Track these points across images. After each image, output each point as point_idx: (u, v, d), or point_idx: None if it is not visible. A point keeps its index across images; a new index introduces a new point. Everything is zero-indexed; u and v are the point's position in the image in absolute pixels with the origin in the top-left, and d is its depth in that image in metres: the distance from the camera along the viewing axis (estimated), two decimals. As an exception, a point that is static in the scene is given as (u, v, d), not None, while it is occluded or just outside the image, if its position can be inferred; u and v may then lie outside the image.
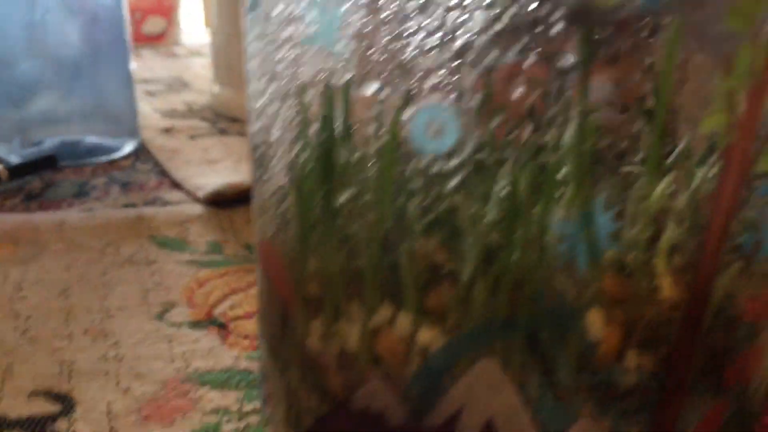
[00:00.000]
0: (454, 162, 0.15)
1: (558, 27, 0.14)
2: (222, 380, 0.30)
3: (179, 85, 0.81)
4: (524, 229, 0.15)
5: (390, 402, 0.16)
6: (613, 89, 0.17)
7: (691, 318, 0.16)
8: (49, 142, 0.55)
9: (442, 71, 0.15)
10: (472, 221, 0.15)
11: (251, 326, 0.34)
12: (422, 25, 0.15)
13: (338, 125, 0.17)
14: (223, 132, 0.64)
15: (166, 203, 0.48)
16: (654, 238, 0.16)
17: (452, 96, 0.15)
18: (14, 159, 0.53)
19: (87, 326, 0.33)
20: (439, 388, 0.16)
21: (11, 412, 0.27)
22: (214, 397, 0.28)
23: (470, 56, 0.14)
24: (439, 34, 0.14)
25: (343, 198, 0.17)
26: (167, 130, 0.64)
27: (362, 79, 0.16)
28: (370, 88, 0.16)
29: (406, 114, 0.15)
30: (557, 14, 0.13)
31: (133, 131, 0.58)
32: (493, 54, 0.14)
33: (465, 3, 0.14)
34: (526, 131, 0.15)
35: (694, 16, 0.14)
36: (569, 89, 0.15)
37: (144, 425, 0.27)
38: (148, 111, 0.70)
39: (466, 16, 0.14)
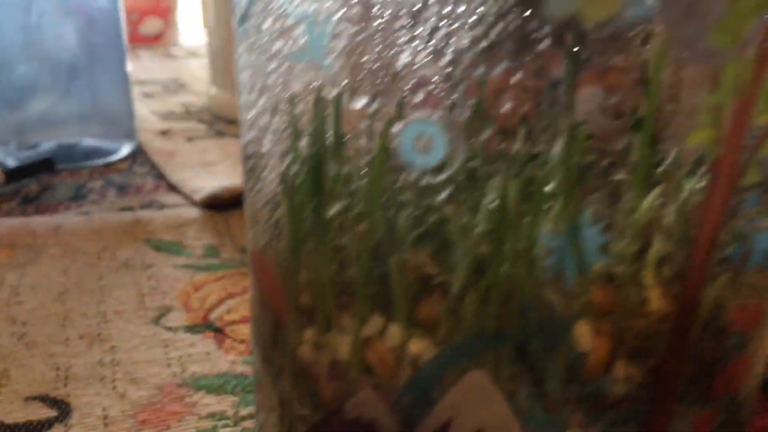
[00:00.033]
0: (442, 176, 0.15)
1: (544, 43, 0.14)
2: (218, 385, 0.30)
3: (176, 86, 0.81)
4: (513, 242, 0.15)
5: (381, 412, 0.16)
6: (603, 98, 0.17)
7: (679, 329, 0.16)
8: (46, 145, 0.55)
9: (431, 85, 0.15)
10: (462, 233, 0.16)
11: (247, 331, 0.34)
12: (411, 39, 0.15)
13: (328, 138, 0.17)
14: (220, 134, 0.64)
15: (162, 206, 0.48)
16: (642, 251, 0.16)
17: (441, 110, 0.15)
18: (11, 162, 0.53)
19: (83, 331, 0.33)
20: (430, 398, 0.16)
21: (7, 417, 0.27)
22: (209, 402, 0.29)
23: (458, 71, 0.15)
24: (428, 49, 0.15)
25: (333, 210, 0.17)
26: (164, 133, 0.64)
27: (352, 92, 0.16)
28: (360, 102, 0.16)
29: (396, 128, 0.15)
30: (543, 31, 0.14)
31: (130, 133, 0.58)
32: (481, 69, 0.14)
33: (453, 18, 0.14)
34: (515, 144, 0.15)
35: (681, 31, 0.14)
36: (557, 103, 0.15)
37: (140, 430, 0.27)
38: (146, 113, 0.70)
39: (454, 31, 0.14)
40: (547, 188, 0.15)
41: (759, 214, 0.17)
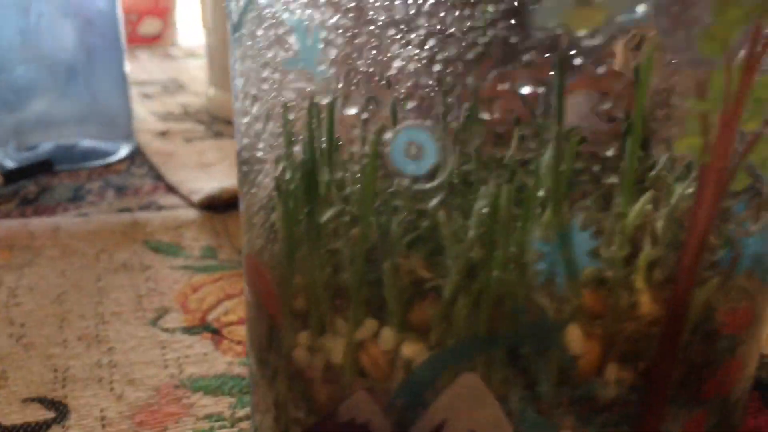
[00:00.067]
0: (434, 182, 0.15)
1: (533, 53, 0.14)
2: (215, 386, 0.30)
3: (175, 87, 0.81)
4: (505, 247, 0.15)
5: (375, 414, 0.17)
6: (594, 103, 0.17)
7: (670, 332, 0.16)
8: (45, 146, 0.55)
9: (422, 93, 0.15)
10: (454, 238, 0.16)
11: (244, 332, 0.34)
12: (402, 48, 0.15)
13: (321, 144, 0.17)
14: (218, 135, 0.64)
15: (161, 208, 0.49)
16: (633, 255, 0.16)
17: (431, 118, 0.15)
18: (9, 163, 0.53)
19: (81, 332, 0.34)
20: (423, 400, 0.16)
21: (5, 419, 0.28)
22: (207, 403, 0.29)
23: (449, 79, 0.15)
24: (419, 58, 0.15)
25: (327, 215, 0.17)
26: (163, 133, 0.64)
27: (344, 100, 0.16)
28: (352, 109, 0.16)
29: (387, 135, 0.15)
30: (531, 42, 0.14)
31: (128, 134, 0.59)
32: (472, 77, 0.15)
33: (444, 27, 0.14)
34: (507, 150, 0.15)
35: (670, 39, 0.14)
36: (547, 109, 0.15)
37: (137, 431, 0.27)
38: (144, 114, 0.70)
39: (445, 39, 0.14)
40: (538, 194, 0.15)
41: (747, 219, 0.17)
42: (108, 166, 0.56)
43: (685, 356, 0.17)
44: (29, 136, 0.55)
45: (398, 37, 0.15)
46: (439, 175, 0.15)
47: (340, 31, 0.16)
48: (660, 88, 0.17)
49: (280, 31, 0.16)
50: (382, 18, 0.15)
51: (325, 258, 0.17)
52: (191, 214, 0.47)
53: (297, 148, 0.17)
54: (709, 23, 0.14)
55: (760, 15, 0.14)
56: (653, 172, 0.18)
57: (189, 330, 0.34)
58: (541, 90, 0.15)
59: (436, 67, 0.15)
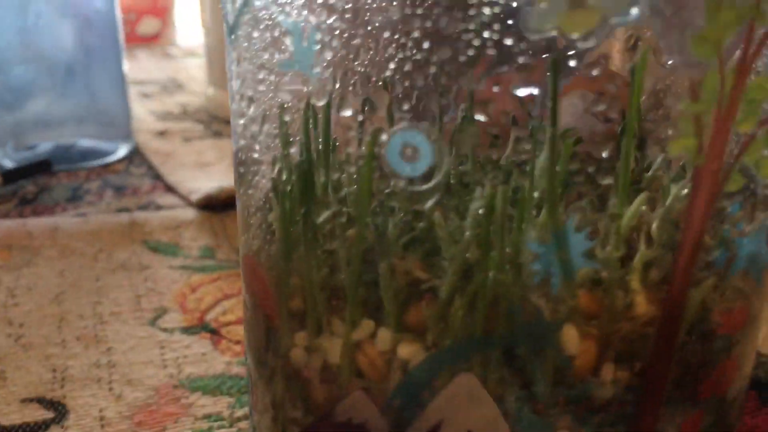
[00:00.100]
0: (430, 184, 0.15)
1: (526, 56, 0.14)
2: (214, 386, 0.30)
3: (174, 86, 0.81)
4: (500, 248, 0.15)
5: (371, 414, 0.17)
6: (589, 105, 0.17)
7: (665, 332, 0.16)
8: (43, 146, 0.55)
9: (418, 95, 0.15)
10: (450, 240, 0.16)
11: (243, 332, 0.34)
12: (397, 50, 0.15)
13: (317, 146, 0.17)
14: (217, 134, 0.64)
15: (159, 207, 0.49)
16: (628, 255, 0.16)
17: (427, 120, 0.15)
18: (8, 163, 0.53)
19: (80, 332, 0.34)
20: (420, 401, 0.16)
21: (4, 419, 0.28)
22: (205, 403, 0.29)
23: (444, 81, 0.15)
24: (414, 60, 0.15)
25: (324, 216, 0.17)
26: (161, 133, 0.64)
27: (339, 101, 0.16)
28: (347, 111, 0.16)
29: (383, 137, 0.15)
30: (525, 45, 0.14)
31: (127, 134, 0.59)
32: (467, 79, 0.15)
33: (438, 29, 0.14)
34: (502, 152, 0.15)
35: (663, 40, 0.14)
36: (541, 113, 0.15)
37: (136, 431, 0.27)
38: (143, 113, 0.70)
39: (439, 42, 0.15)
40: (534, 195, 0.15)
41: (742, 220, 0.17)
42: (107, 165, 0.56)
43: (680, 356, 0.17)
44: (28, 136, 0.55)
45: (393, 38, 0.15)
46: (435, 177, 0.15)
47: (336, 33, 0.16)
48: (655, 90, 0.17)
49: (276, 32, 0.16)
50: (378, 20, 0.15)
51: (321, 259, 0.17)
52: (190, 214, 0.47)
53: (293, 150, 0.17)
54: (702, 26, 0.14)
55: (753, 17, 0.14)
56: (649, 173, 0.18)
57: (187, 330, 0.34)
58: (535, 92, 0.15)
59: (432, 69, 0.15)
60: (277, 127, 0.17)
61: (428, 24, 0.15)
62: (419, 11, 0.15)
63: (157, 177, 0.54)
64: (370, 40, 0.15)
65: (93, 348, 0.32)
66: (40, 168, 0.52)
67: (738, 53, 0.14)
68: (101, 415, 0.28)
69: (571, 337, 0.16)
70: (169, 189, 0.52)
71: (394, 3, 0.15)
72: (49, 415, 0.28)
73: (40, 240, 0.43)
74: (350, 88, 0.16)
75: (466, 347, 0.16)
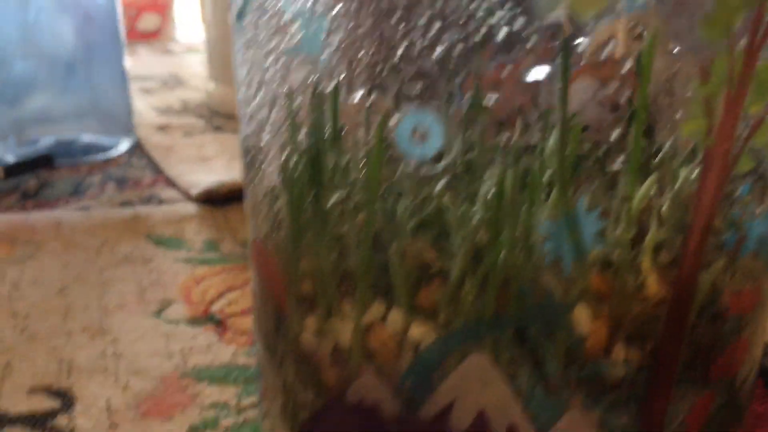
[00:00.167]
0: (439, 166, 0.15)
1: (537, 38, 0.14)
2: (220, 376, 0.30)
3: (174, 82, 0.81)
4: (511, 229, 0.15)
5: (383, 396, 0.17)
6: (600, 89, 0.17)
7: (676, 313, 0.16)
8: (45, 140, 0.55)
9: (427, 77, 0.15)
10: (460, 222, 0.16)
11: (248, 323, 0.34)
12: (406, 33, 0.15)
13: (326, 130, 0.17)
14: (218, 129, 0.64)
15: (161, 201, 0.49)
16: (639, 237, 0.16)
17: (437, 102, 0.15)
18: (10, 158, 0.53)
19: (85, 324, 0.34)
20: (431, 382, 0.16)
21: (12, 408, 0.28)
22: (212, 393, 0.29)
23: (454, 63, 0.15)
24: (423, 42, 0.15)
25: (333, 200, 0.17)
26: (162, 128, 0.64)
27: (349, 85, 0.16)
28: (357, 95, 0.16)
29: (392, 120, 0.15)
30: (535, 26, 0.14)
31: (128, 129, 0.59)
32: (477, 61, 0.15)
33: (446, 13, 0.14)
34: (511, 135, 0.16)
35: (673, 24, 0.15)
36: (552, 95, 0.15)
37: (143, 420, 0.27)
38: (144, 108, 0.70)
39: (448, 25, 0.15)
40: (544, 177, 0.15)
41: (752, 202, 0.17)
42: (108, 160, 0.56)
43: (691, 338, 0.17)
44: (29, 131, 0.55)
45: (402, 22, 0.15)
46: (445, 158, 0.15)
47: (344, 17, 0.16)
48: (665, 72, 0.17)
49: (284, 18, 0.17)
50: (385, 3, 0.16)
51: (331, 242, 0.17)
52: (192, 207, 0.47)
53: (302, 134, 0.17)
54: (711, 8, 0.14)
55: (762, 0, 0.14)
56: (659, 156, 0.18)
57: (193, 321, 0.34)
58: (546, 73, 0.15)
59: (441, 52, 0.15)
60: (285, 113, 0.17)
61: (437, 6, 0.15)
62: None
63: (159, 171, 0.54)
64: (378, 24, 0.15)
65: (98, 339, 0.32)
66: (41, 162, 0.52)
67: (747, 36, 0.14)
68: (108, 404, 0.28)
69: (582, 318, 0.16)
70: (171, 183, 0.52)
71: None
72: (56, 404, 0.28)
73: (44, 234, 0.43)
74: (358, 72, 0.16)
75: (477, 328, 0.16)
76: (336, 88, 0.17)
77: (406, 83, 0.15)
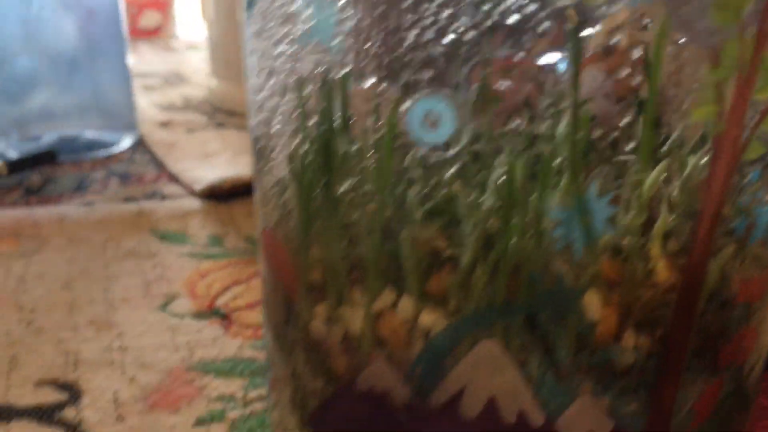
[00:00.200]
0: (451, 152, 0.15)
1: (548, 24, 0.14)
2: (226, 369, 0.30)
3: (176, 79, 0.81)
4: (521, 216, 0.15)
5: (393, 383, 0.17)
6: (606, 80, 0.17)
7: (685, 300, 0.16)
8: (48, 137, 0.55)
9: (438, 64, 0.15)
10: (471, 208, 0.16)
11: (253, 316, 0.34)
12: (417, 19, 0.15)
13: (337, 117, 0.17)
14: (220, 125, 0.64)
15: (165, 197, 0.49)
16: (649, 223, 0.16)
17: (448, 88, 0.15)
18: (12, 154, 0.53)
19: (91, 317, 0.34)
20: (442, 368, 0.16)
21: (19, 400, 0.28)
22: (218, 385, 0.29)
23: (464, 50, 0.15)
24: (434, 28, 0.15)
25: (343, 188, 0.17)
26: (165, 124, 0.64)
27: (359, 72, 0.16)
28: (368, 82, 0.16)
29: (404, 106, 0.15)
30: (546, 11, 0.14)
31: (131, 125, 0.59)
32: (487, 48, 0.15)
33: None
34: (522, 121, 0.16)
35: (682, 9, 0.15)
36: (562, 81, 0.15)
37: (150, 412, 0.27)
38: (146, 105, 0.70)
39: (459, 11, 0.15)
40: (554, 163, 0.15)
41: (761, 188, 0.17)
42: (111, 156, 0.56)
43: (700, 324, 0.17)
44: (32, 127, 0.55)
45: (412, 8, 0.15)
46: (457, 144, 0.15)
47: (355, 4, 0.16)
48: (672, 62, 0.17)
49: (295, 6, 0.17)
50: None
51: (342, 230, 0.17)
52: (196, 203, 0.47)
53: (313, 121, 0.17)
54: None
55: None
56: (666, 145, 0.18)
57: (198, 315, 0.34)
58: (556, 59, 0.15)
59: (452, 37, 0.15)
60: (295, 100, 0.17)
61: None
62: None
63: (162, 167, 0.54)
64: (390, 9, 0.15)
65: (105, 332, 0.33)
66: (45, 158, 0.52)
67: (758, 20, 0.14)
68: (115, 397, 0.28)
69: (593, 304, 0.16)
70: (174, 179, 0.52)
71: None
72: (63, 397, 0.28)
73: (48, 229, 0.43)
74: (370, 58, 0.16)
75: (488, 315, 0.16)
76: (346, 75, 0.17)
77: (417, 70, 0.15)
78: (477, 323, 0.16)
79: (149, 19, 0.99)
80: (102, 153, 0.56)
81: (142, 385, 0.29)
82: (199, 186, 0.48)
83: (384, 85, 0.17)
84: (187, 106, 0.71)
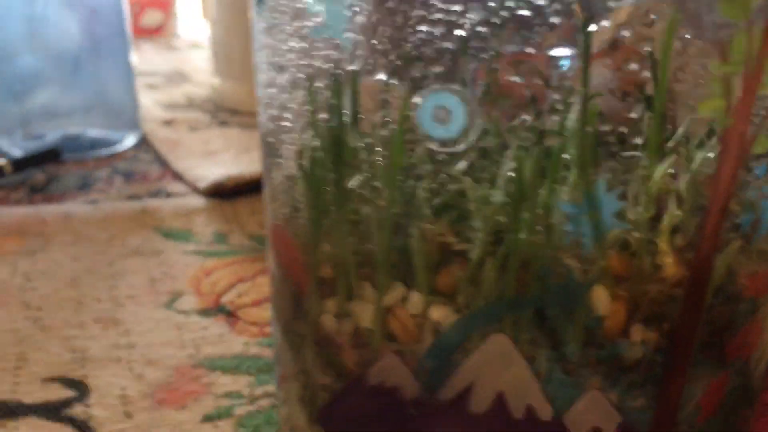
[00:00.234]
0: (461, 147, 0.15)
1: (558, 17, 0.14)
2: (233, 366, 0.30)
3: (179, 77, 0.82)
4: (530, 211, 0.16)
5: (404, 377, 0.17)
6: (613, 76, 0.17)
7: (692, 295, 0.17)
8: (51, 135, 0.55)
9: (448, 59, 0.15)
10: (480, 203, 0.16)
11: (259, 314, 0.34)
12: (427, 14, 0.15)
13: (347, 113, 0.17)
14: (223, 124, 0.64)
15: (169, 195, 0.49)
16: (656, 218, 0.16)
17: (458, 83, 0.15)
18: (17, 152, 0.53)
19: (97, 315, 0.34)
20: (451, 363, 0.17)
21: (27, 397, 0.28)
22: (225, 382, 0.29)
23: (474, 44, 0.15)
24: (444, 24, 0.15)
25: (353, 183, 0.17)
26: (168, 123, 0.64)
27: (370, 67, 0.16)
28: (378, 77, 0.16)
29: (414, 101, 0.15)
30: (556, 5, 0.14)
31: (134, 124, 0.59)
32: (496, 42, 0.15)
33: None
34: (531, 116, 0.16)
35: (690, 4, 0.15)
36: (571, 76, 0.15)
37: (158, 409, 0.27)
38: (149, 104, 0.70)
39: (469, 6, 0.15)
40: (563, 158, 0.15)
41: (769, 183, 0.17)
42: (115, 155, 0.56)
43: (707, 318, 0.17)
44: (36, 126, 0.55)
45: (422, 4, 0.16)
46: (468, 138, 0.15)
47: None
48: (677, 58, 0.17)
49: (305, 0, 0.17)
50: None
51: (351, 225, 0.17)
52: (200, 201, 0.47)
53: (323, 116, 0.17)
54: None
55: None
56: (674, 137, 0.18)
57: (204, 312, 0.34)
58: (566, 53, 0.15)
59: (463, 32, 0.15)
60: (307, 95, 0.18)
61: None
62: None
63: (166, 165, 0.54)
64: (401, 4, 0.15)
65: (111, 329, 0.33)
66: (48, 157, 0.53)
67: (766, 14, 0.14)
68: (123, 393, 0.28)
69: (601, 298, 0.16)
70: (178, 177, 0.52)
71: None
72: (71, 393, 0.28)
73: (53, 226, 0.43)
74: (382, 53, 0.16)
75: (497, 309, 0.16)
76: (357, 70, 0.17)
77: (427, 65, 0.15)
78: (486, 318, 0.16)
79: (151, 17, 0.99)
80: (106, 151, 0.56)
81: (149, 381, 0.29)
82: (203, 184, 0.48)
83: (394, 80, 0.17)
84: (190, 104, 0.71)
